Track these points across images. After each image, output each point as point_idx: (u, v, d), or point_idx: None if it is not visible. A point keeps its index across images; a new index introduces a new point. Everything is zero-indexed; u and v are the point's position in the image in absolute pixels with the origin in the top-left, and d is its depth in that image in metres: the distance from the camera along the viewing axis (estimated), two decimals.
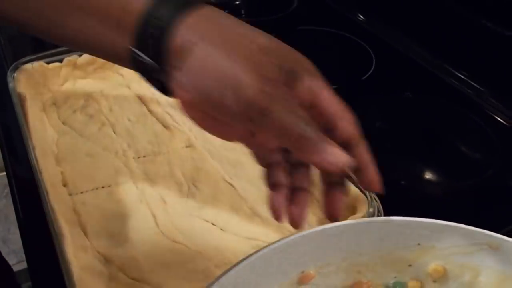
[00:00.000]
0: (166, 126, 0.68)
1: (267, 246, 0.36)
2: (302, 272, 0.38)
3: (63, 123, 0.68)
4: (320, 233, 0.37)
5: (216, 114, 0.37)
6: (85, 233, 0.53)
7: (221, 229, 0.55)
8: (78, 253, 0.50)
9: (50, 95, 0.73)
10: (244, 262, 0.35)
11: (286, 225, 0.56)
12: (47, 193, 0.55)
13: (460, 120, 0.75)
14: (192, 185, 0.60)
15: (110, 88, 0.74)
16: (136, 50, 0.37)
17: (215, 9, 0.38)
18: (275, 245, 0.36)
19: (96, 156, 0.63)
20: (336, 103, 0.37)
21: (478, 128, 0.73)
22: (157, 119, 0.69)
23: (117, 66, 0.79)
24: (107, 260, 0.51)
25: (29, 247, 0.54)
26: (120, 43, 0.38)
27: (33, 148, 0.61)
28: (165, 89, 0.39)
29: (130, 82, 0.76)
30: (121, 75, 0.77)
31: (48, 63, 0.74)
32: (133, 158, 0.63)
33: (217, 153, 0.65)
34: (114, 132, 0.67)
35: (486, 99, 0.77)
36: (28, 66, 0.72)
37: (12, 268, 0.72)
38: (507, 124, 0.73)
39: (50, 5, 0.40)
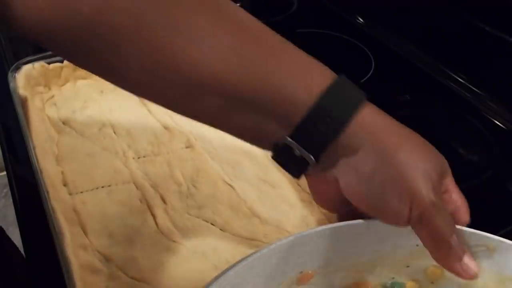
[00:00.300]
0: (166, 127, 0.68)
1: (266, 247, 0.36)
2: (301, 272, 0.38)
3: (64, 123, 0.69)
4: (319, 234, 0.37)
5: (369, 210, 0.36)
6: (85, 232, 0.53)
7: (220, 229, 0.56)
8: (78, 252, 0.50)
9: (51, 95, 0.73)
10: (243, 263, 0.35)
11: (285, 226, 0.56)
12: (47, 192, 0.56)
13: (459, 123, 0.76)
14: (192, 185, 0.60)
15: (111, 89, 0.75)
16: (293, 142, 0.35)
17: (374, 105, 0.38)
18: (274, 245, 0.36)
19: (96, 156, 0.64)
20: (460, 195, 0.39)
21: (477, 131, 0.73)
22: (157, 120, 0.70)
23: None
24: (106, 259, 0.51)
25: (29, 246, 0.54)
26: (272, 131, 0.36)
27: (34, 148, 0.61)
28: (296, 173, 0.38)
29: None
30: None
31: (49, 63, 0.74)
32: (133, 158, 0.64)
33: (217, 154, 0.65)
34: (114, 133, 0.68)
35: (485, 103, 0.77)
36: (29, 66, 0.73)
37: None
38: (505, 128, 0.73)
39: (191, 94, 0.35)
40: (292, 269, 0.38)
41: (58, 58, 0.75)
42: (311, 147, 0.36)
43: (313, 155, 0.36)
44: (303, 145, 0.35)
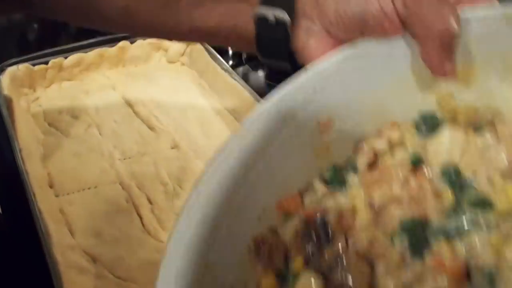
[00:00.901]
0: (151, 128, 0.69)
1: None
2: (318, 122, 0.33)
3: (49, 125, 0.69)
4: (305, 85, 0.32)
5: (357, 27, 0.34)
6: (72, 233, 0.54)
7: None
8: (65, 253, 0.50)
9: (36, 97, 0.73)
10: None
11: None
12: (33, 194, 0.56)
13: None
14: (177, 185, 0.61)
15: (96, 90, 0.75)
16: (264, 7, 0.37)
17: None
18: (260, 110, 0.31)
19: (82, 157, 0.64)
20: None
21: None
22: (143, 120, 0.70)
23: (103, 68, 0.79)
24: (93, 259, 0.52)
25: (16, 247, 0.54)
26: (245, 10, 0.39)
27: (20, 150, 0.61)
28: (285, 57, 0.38)
29: (116, 84, 0.76)
30: (107, 77, 0.78)
31: (34, 65, 0.74)
32: (119, 159, 0.64)
33: (202, 153, 0.65)
34: (100, 133, 0.68)
35: None
36: (13, 68, 0.73)
37: None
38: None
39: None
40: (305, 122, 0.33)
41: (43, 59, 0.75)
42: (283, 4, 0.37)
43: (288, 12, 0.37)
44: (276, 5, 0.37)
